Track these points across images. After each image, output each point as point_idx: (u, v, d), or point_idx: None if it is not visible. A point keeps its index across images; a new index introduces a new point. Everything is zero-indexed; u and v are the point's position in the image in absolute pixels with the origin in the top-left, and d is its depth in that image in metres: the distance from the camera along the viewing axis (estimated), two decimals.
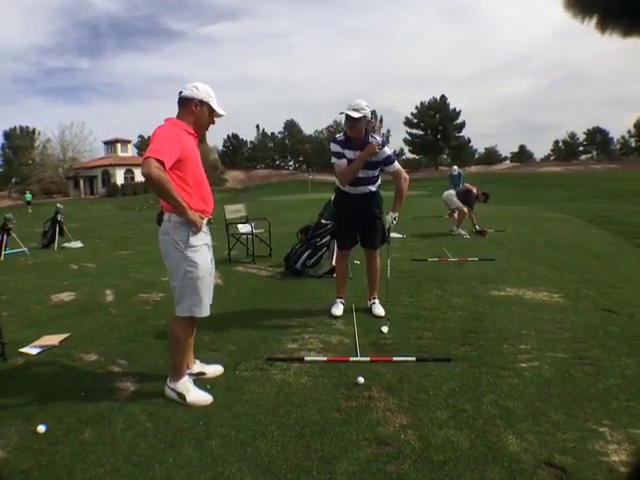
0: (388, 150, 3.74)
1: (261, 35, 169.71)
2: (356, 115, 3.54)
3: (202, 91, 2.61)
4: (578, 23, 0.48)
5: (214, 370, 2.92)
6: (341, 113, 3.64)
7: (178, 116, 2.63)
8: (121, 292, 5.23)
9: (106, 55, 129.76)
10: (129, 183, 45.59)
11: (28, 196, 34.26)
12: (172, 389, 2.60)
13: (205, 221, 2.59)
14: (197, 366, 2.91)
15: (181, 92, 2.61)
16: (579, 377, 2.68)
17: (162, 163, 2.31)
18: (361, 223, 3.89)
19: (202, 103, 2.61)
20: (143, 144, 73.19)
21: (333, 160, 3.80)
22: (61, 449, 2.14)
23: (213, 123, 2.73)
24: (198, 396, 2.58)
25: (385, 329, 3.54)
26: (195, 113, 2.60)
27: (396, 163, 3.81)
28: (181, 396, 2.56)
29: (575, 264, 5.82)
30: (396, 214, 3.93)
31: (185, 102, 2.61)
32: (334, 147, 3.76)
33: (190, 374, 2.78)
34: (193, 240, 2.51)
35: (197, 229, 2.50)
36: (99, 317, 4.27)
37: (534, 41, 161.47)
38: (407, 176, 3.88)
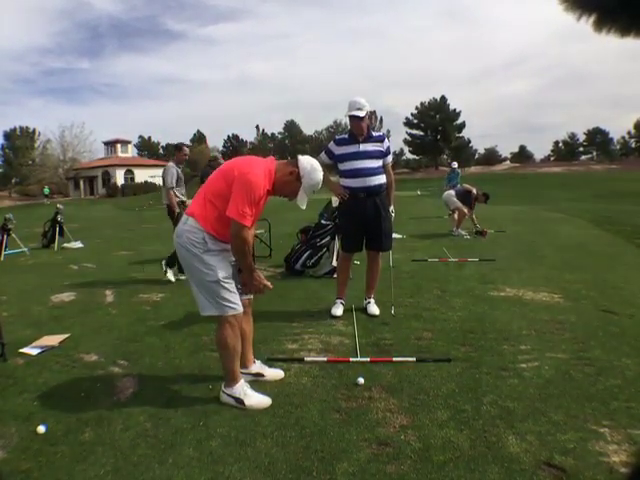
0: (388, 142, 3.92)
1: (261, 36, 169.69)
2: (362, 114, 3.68)
3: (309, 174, 2.49)
4: (576, 22, 0.48)
5: (273, 374, 2.82)
6: (347, 116, 3.75)
7: (280, 164, 2.55)
8: (121, 292, 5.22)
9: (106, 56, 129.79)
10: (129, 184, 45.57)
11: (46, 190, 39.88)
12: (228, 395, 2.51)
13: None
14: (256, 366, 2.83)
15: (303, 153, 2.54)
16: (579, 377, 2.68)
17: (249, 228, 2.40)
18: (367, 225, 3.84)
19: (299, 179, 2.50)
20: (143, 144, 73.24)
21: (321, 154, 3.99)
22: (61, 449, 2.14)
23: (290, 199, 2.59)
24: (257, 400, 2.50)
25: (392, 311, 3.86)
26: (285, 179, 2.50)
27: (390, 157, 3.96)
28: (239, 401, 2.48)
29: (575, 264, 5.82)
30: (392, 207, 4.00)
31: (292, 162, 2.54)
32: (331, 145, 3.96)
33: (248, 373, 2.73)
34: (211, 245, 2.42)
35: (257, 288, 2.57)
36: (99, 317, 4.27)
37: (534, 41, 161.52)
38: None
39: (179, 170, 5.71)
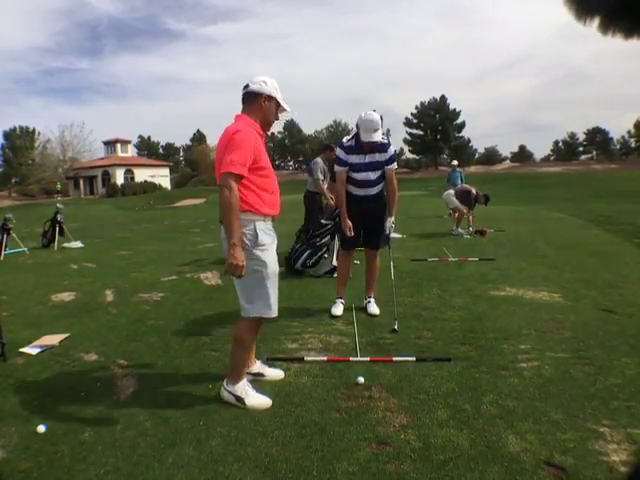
0: (392, 150, 3.87)
1: (261, 36, 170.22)
2: (378, 138, 3.66)
3: (270, 86, 2.52)
4: (579, 24, 0.48)
5: (273, 374, 2.83)
6: (364, 140, 3.65)
7: (247, 112, 2.53)
8: (121, 292, 5.22)
9: (106, 55, 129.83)
10: (129, 183, 45.48)
11: (58, 186, 43.22)
12: (230, 392, 2.50)
13: (269, 219, 2.54)
14: (257, 366, 2.83)
15: (247, 86, 2.52)
16: (579, 377, 2.68)
17: (241, 177, 2.33)
18: (366, 223, 3.91)
19: (270, 98, 2.53)
20: (143, 144, 73.15)
21: (335, 166, 3.94)
22: (61, 449, 2.14)
23: (277, 119, 2.65)
24: (258, 400, 2.49)
25: (396, 326, 3.55)
26: (264, 109, 2.53)
27: (394, 164, 3.92)
28: (239, 399, 2.47)
29: (575, 264, 5.82)
30: (392, 218, 3.97)
31: (254, 97, 2.52)
32: (339, 152, 3.90)
33: (248, 373, 2.71)
34: (262, 238, 2.43)
35: (235, 265, 2.26)
36: (99, 317, 4.27)
37: (534, 41, 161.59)
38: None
39: (326, 167, 6.34)
